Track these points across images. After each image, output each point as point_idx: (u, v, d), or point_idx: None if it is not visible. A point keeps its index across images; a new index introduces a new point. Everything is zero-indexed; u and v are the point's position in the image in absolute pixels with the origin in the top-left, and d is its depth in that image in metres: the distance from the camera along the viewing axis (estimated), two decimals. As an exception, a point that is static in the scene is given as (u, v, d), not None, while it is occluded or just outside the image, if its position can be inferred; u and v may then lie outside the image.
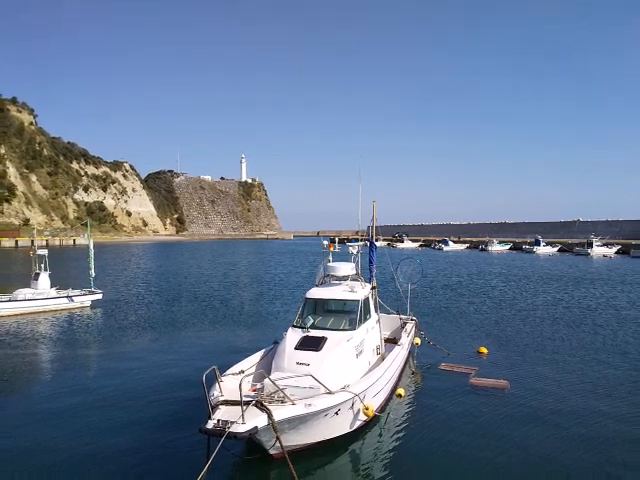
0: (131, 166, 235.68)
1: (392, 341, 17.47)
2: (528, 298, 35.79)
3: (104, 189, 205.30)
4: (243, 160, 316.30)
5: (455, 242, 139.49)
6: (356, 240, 18.93)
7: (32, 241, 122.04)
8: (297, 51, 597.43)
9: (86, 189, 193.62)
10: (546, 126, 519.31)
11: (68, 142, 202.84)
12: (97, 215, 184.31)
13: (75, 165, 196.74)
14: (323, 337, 12.37)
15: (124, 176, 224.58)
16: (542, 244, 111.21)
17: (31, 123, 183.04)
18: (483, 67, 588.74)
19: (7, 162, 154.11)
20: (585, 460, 10.66)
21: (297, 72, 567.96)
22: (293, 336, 12.65)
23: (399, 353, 15.40)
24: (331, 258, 16.23)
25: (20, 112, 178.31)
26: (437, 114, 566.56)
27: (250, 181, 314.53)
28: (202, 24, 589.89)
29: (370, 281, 16.59)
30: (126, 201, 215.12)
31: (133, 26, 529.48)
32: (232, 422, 8.84)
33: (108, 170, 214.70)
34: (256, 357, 13.50)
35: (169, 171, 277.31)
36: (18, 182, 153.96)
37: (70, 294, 31.89)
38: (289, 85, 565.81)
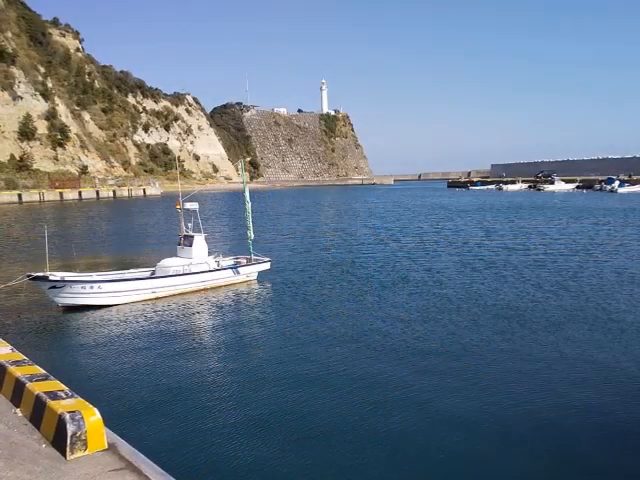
0: (195, 99, 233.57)
1: None
2: None
3: (166, 128, 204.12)
4: (324, 87, 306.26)
5: (627, 181, 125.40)
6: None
7: (97, 192, 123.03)
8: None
9: (146, 128, 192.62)
10: None
11: (121, 71, 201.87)
12: (161, 160, 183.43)
13: (131, 99, 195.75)
14: None
15: (187, 111, 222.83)
16: None
17: (77, 49, 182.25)
18: None
19: (56, 98, 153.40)
20: None
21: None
22: None
23: None
24: None
25: (64, 36, 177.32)
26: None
27: (333, 113, 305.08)
28: None
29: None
30: (192, 142, 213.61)
31: None
32: None
33: (169, 104, 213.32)
34: None
35: (237, 104, 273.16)
36: (70, 122, 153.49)
37: (234, 264, 27.85)
38: None
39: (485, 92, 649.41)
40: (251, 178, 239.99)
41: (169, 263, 24.77)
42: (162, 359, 16.14)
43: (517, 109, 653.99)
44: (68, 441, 6.83)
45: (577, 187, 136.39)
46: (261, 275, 28.17)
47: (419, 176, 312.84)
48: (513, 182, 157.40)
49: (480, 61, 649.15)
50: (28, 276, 20.78)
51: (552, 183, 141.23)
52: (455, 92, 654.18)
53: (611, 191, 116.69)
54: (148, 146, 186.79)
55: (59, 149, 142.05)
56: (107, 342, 17.97)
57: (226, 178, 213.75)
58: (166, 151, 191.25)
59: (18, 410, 8.14)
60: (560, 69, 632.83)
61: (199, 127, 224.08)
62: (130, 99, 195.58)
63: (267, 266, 28.26)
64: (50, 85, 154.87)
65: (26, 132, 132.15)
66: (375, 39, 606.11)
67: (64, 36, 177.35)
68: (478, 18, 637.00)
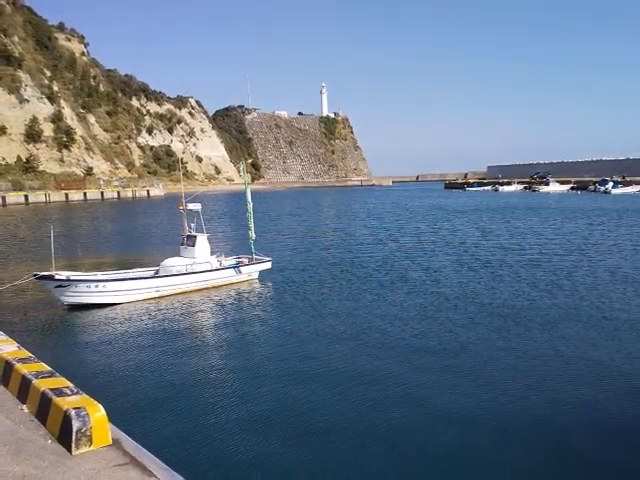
0: (197, 102, 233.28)
1: None
2: None
3: (170, 130, 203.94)
4: (324, 90, 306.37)
5: (621, 182, 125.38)
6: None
7: (102, 193, 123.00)
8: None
9: (150, 131, 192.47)
10: None
11: (125, 75, 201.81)
12: (165, 161, 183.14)
13: (135, 102, 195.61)
14: None
15: (190, 114, 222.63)
16: None
17: (83, 53, 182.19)
18: None
19: (61, 101, 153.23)
20: None
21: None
22: None
23: None
24: None
25: (69, 40, 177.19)
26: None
27: (333, 116, 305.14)
28: None
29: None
30: (195, 144, 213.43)
31: None
32: None
33: (172, 107, 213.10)
34: None
35: (239, 107, 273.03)
36: (75, 124, 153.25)
37: (236, 263, 27.60)
38: None
39: (485, 92, 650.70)
40: (252, 179, 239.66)
41: (172, 262, 24.69)
42: (165, 356, 16.13)
43: (516, 109, 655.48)
44: (73, 437, 6.86)
45: (571, 188, 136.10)
46: (262, 274, 28.01)
47: (417, 177, 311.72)
48: (509, 183, 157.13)
49: (480, 61, 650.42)
50: (34, 275, 20.72)
51: (547, 184, 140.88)
52: (455, 92, 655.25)
53: (605, 192, 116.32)
54: (152, 148, 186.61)
55: (65, 151, 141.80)
56: (111, 340, 17.96)
57: (228, 179, 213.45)
58: (169, 153, 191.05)
59: (24, 406, 8.16)
60: (560, 69, 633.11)
61: (202, 129, 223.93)
62: (134, 102, 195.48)
63: (268, 265, 28.07)
64: (56, 88, 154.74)
65: (32, 134, 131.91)
66: (375, 39, 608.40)
67: (69, 40, 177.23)
68: (478, 18, 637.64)
